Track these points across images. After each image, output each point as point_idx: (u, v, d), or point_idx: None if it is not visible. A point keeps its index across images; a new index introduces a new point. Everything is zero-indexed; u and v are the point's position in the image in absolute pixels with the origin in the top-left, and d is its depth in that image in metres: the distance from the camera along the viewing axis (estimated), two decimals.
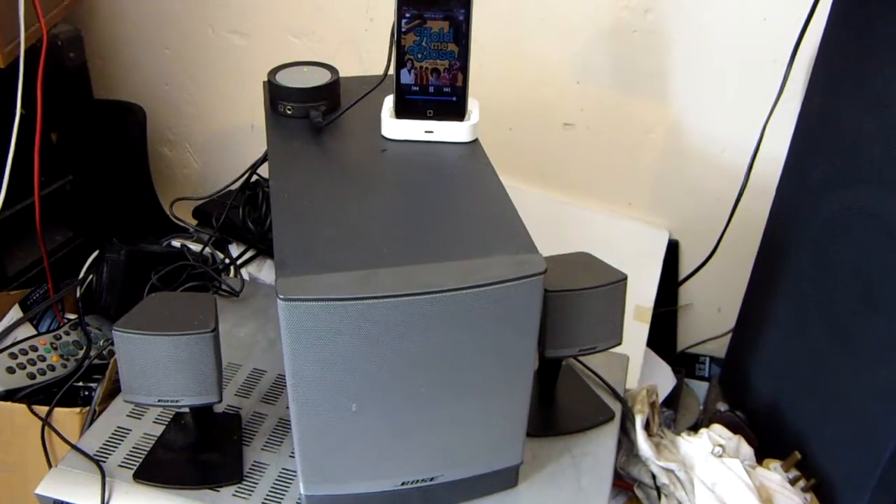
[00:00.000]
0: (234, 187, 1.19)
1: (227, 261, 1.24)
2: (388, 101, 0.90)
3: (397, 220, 0.77)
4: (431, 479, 0.80)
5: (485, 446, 0.80)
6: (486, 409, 0.77)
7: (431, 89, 0.88)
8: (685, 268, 1.41)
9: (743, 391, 1.23)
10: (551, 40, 1.26)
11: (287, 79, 0.95)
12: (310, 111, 0.92)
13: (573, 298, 0.85)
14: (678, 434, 1.03)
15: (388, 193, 0.81)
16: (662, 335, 1.44)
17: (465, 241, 0.73)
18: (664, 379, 1.35)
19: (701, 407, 1.41)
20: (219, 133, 1.53)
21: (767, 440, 1.13)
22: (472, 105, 0.90)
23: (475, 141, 0.90)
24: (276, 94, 0.94)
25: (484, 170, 0.85)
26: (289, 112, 0.94)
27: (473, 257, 0.70)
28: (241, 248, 1.28)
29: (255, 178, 1.17)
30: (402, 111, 0.89)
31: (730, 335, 1.38)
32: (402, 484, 0.79)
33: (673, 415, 1.33)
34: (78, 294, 1.19)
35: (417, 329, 0.68)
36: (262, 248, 1.27)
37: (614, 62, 1.25)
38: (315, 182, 0.82)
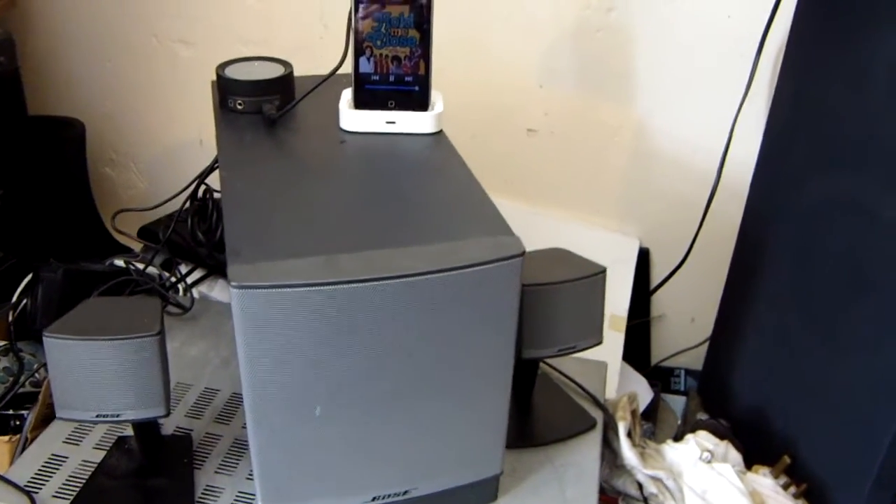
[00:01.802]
0: (183, 201, 1.11)
1: (176, 278, 1.15)
2: (347, 94, 0.85)
3: (360, 206, 0.71)
4: (405, 493, 0.73)
5: (462, 454, 0.73)
6: (462, 411, 0.70)
7: (392, 78, 0.83)
8: (657, 277, 1.37)
9: (724, 400, 1.19)
10: (512, 42, 1.24)
11: (237, 73, 0.89)
12: (262, 105, 0.86)
13: (550, 293, 0.80)
14: (650, 440, 0.98)
15: (349, 182, 0.75)
16: (636, 348, 1.39)
17: (435, 224, 0.68)
18: (641, 392, 1.30)
19: (679, 421, 1.36)
20: (165, 150, 1.46)
21: (753, 447, 1.08)
22: (436, 96, 0.86)
23: (440, 132, 0.85)
24: (225, 89, 0.88)
25: (451, 159, 0.80)
26: (240, 107, 0.88)
27: (445, 241, 0.64)
28: (191, 269, 1.21)
29: (203, 188, 1.10)
30: (361, 102, 0.83)
31: (705, 346, 1.34)
32: (374, 499, 0.72)
33: (652, 427, 1.28)
34: (10, 318, 1.10)
35: (386, 319, 0.62)
36: (214, 265, 1.19)
37: (578, 64, 1.23)
38: (269, 173, 0.75)
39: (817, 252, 0.96)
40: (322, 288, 0.59)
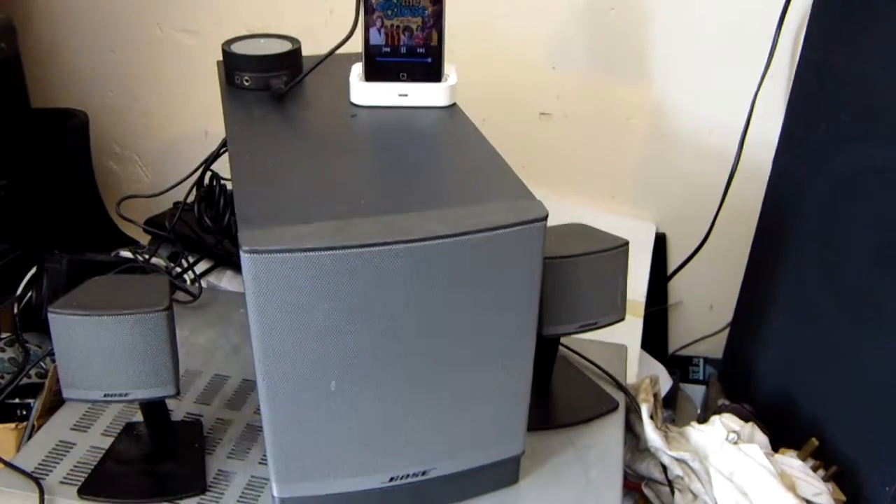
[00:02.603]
0: (188, 189, 1.09)
1: (184, 266, 1.13)
2: (357, 67, 0.83)
3: (374, 175, 0.68)
4: (424, 474, 0.70)
5: (482, 433, 0.71)
6: (483, 387, 0.67)
7: (404, 50, 0.81)
8: (674, 263, 1.34)
9: (747, 384, 1.16)
10: (523, 22, 1.21)
11: (244, 48, 0.87)
12: (270, 81, 0.84)
13: (571, 266, 0.77)
14: (672, 425, 0.94)
15: (361, 152, 0.73)
16: (653, 336, 1.36)
17: (454, 190, 0.65)
18: (660, 381, 1.27)
19: (699, 410, 1.33)
20: (170, 142, 1.44)
21: (779, 431, 1.04)
22: (449, 68, 0.83)
23: (454, 105, 0.82)
24: (232, 65, 0.86)
25: (467, 130, 0.77)
26: (247, 83, 0.85)
27: (464, 205, 0.62)
28: (199, 258, 1.19)
29: (209, 175, 1.07)
30: (372, 74, 0.81)
31: (724, 334, 1.31)
32: (391, 480, 0.69)
33: (672, 415, 1.25)
34: (16, 311, 1.08)
35: (403, 286, 0.59)
36: (222, 254, 1.17)
37: (591, 43, 1.20)
38: (279, 145, 0.73)
39: (846, 228, 0.93)
40: (336, 252, 0.56)
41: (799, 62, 1.02)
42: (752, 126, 1.15)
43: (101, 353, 0.65)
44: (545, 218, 0.61)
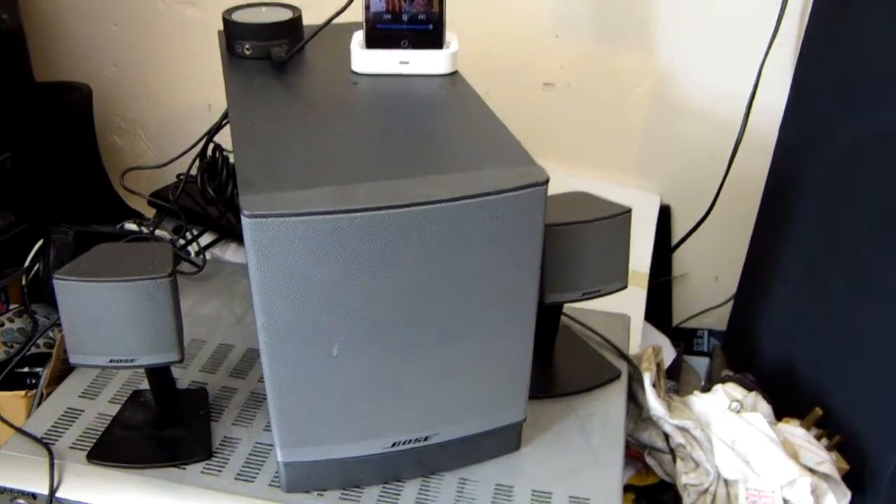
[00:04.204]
0: (192, 160, 1.09)
1: (188, 238, 1.14)
2: (358, 35, 0.83)
3: (375, 140, 0.68)
4: (426, 439, 0.71)
5: (484, 398, 0.71)
6: (484, 352, 0.68)
7: (405, 17, 0.80)
8: (678, 234, 1.34)
9: (751, 355, 1.16)
10: None
11: (244, 17, 0.87)
12: (271, 49, 0.84)
13: (574, 233, 0.77)
14: (675, 395, 0.95)
15: (362, 119, 0.73)
16: (657, 308, 1.36)
17: (454, 156, 0.65)
18: (664, 352, 1.27)
19: (703, 382, 1.33)
20: (173, 116, 1.43)
21: (782, 401, 1.04)
22: (451, 36, 0.83)
23: (456, 73, 0.82)
24: (233, 34, 0.85)
25: (468, 97, 0.77)
26: (247, 52, 0.85)
27: (465, 170, 0.62)
28: (203, 230, 1.19)
29: (211, 146, 1.07)
30: (373, 42, 0.80)
31: (729, 306, 1.31)
32: (393, 445, 0.70)
33: (675, 386, 1.25)
34: (24, 282, 1.09)
35: (404, 251, 0.59)
36: (226, 226, 1.17)
37: (595, 10, 1.18)
38: (281, 112, 0.73)
39: (851, 198, 0.92)
40: (337, 216, 0.57)
41: (807, 29, 1.01)
42: (758, 95, 1.14)
43: (105, 319, 0.66)
44: (546, 182, 0.61)
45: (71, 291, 0.65)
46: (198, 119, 1.42)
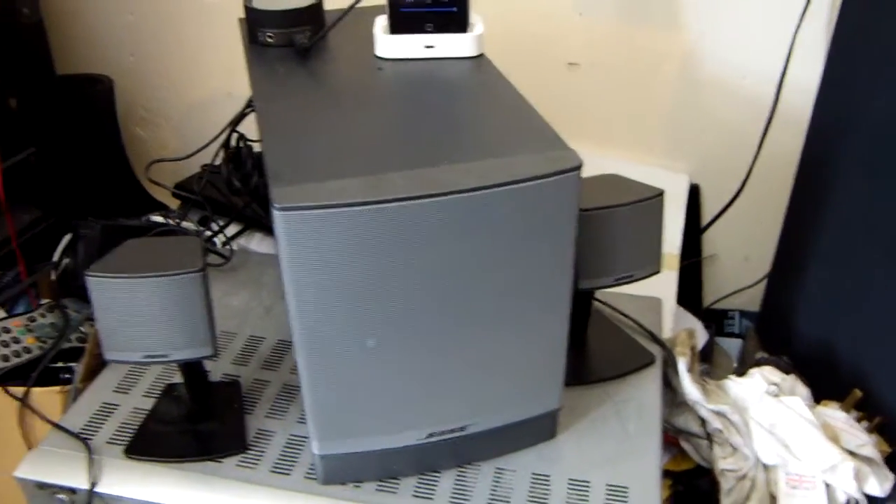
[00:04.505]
0: (216, 151, 1.08)
1: (215, 229, 1.14)
2: (382, 20, 0.81)
3: (404, 128, 0.67)
4: (462, 430, 0.70)
5: (520, 387, 0.70)
6: (520, 341, 0.67)
7: (429, 0, 0.79)
8: (708, 214, 1.32)
9: (786, 337, 1.14)
10: None
11: (266, 4, 0.85)
12: (293, 36, 0.83)
13: (606, 218, 0.75)
14: (709, 378, 0.93)
15: (390, 105, 0.72)
16: (687, 290, 1.34)
17: (486, 142, 0.64)
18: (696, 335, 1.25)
19: (735, 364, 1.31)
20: (194, 105, 1.43)
21: (819, 384, 1.02)
22: (475, 18, 0.81)
23: (482, 56, 0.80)
24: (254, 21, 0.84)
25: (496, 80, 0.75)
26: (270, 40, 0.84)
27: (498, 157, 0.60)
28: (228, 222, 1.19)
29: (235, 136, 1.07)
30: (397, 26, 0.79)
31: (760, 286, 1.29)
32: (430, 436, 0.69)
33: (708, 368, 1.24)
34: (53, 277, 1.09)
35: (437, 240, 0.58)
36: (251, 217, 1.17)
37: None
38: (306, 101, 0.72)
39: (892, 171, 0.89)
40: (370, 207, 0.56)
41: (842, 4, 0.97)
42: (789, 70, 1.11)
43: (139, 315, 0.66)
44: (580, 167, 0.60)
45: (103, 288, 0.65)
46: (218, 107, 1.41)
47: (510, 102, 0.70)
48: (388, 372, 0.64)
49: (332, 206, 0.55)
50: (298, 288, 0.58)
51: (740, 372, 1.21)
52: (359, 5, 0.83)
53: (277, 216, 0.55)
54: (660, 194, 0.78)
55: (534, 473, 0.74)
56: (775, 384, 0.89)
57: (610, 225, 0.76)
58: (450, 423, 0.69)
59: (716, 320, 1.38)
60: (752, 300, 1.34)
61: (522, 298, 0.64)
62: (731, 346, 1.36)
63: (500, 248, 0.61)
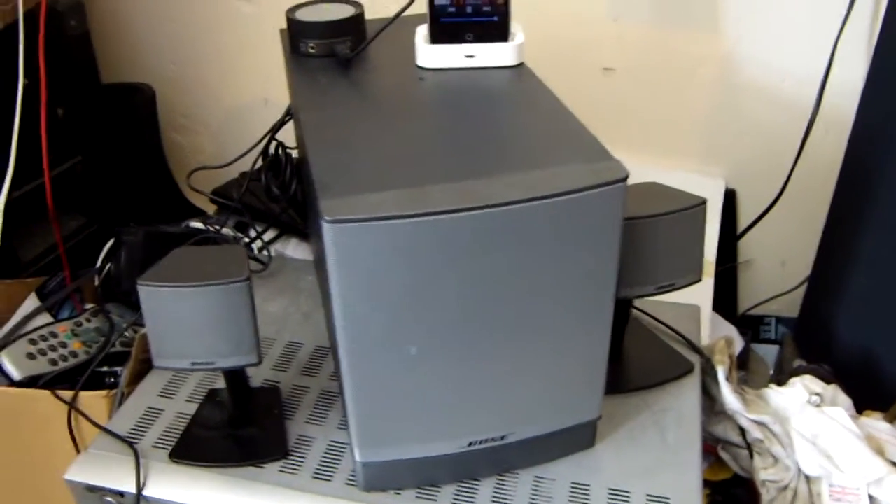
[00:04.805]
0: (255, 158, 1.10)
1: (253, 235, 1.15)
2: (422, 30, 0.82)
3: (447, 138, 0.68)
4: (502, 438, 0.70)
5: (560, 397, 0.70)
6: (561, 351, 0.67)
7: (469, 9, 0.79)
8: (744, 219, 1.30)
9: (826, 344, 1.12)
10: None
11: (307, 15, 0.87)
12: (335, 47, 0.84)
13: (649, 227, 0.75)
14: (748, 387, 0.92)
15: (433, 116, 0.72)
16: (722, 296, 1.32)
17: (529, 152, 0.64)
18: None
19: (771, 372, 1.30)
20: (231, 112, 1.45)
21: (861, 393, 1.01)
22: (516, 26, 0.81)
23: (522, 65, 0.81)
24: (297, 32, 0.86)
25: (537, 89, 0.76)
26: (312, 50, 0.85)
27: (541, 168, 0.61)
28: (265, 228, 1.21)
29: (274, 144, 1.08)
30: (438, 36, 0.80)
31: (797, 292, 1.27)
32: (470, 445, 0.70)
33: (744, 376, 1.23)
34: (97, 282, 1.11)
35: (481, 252, 0.59)
36: (288, 223, 1.18)
37: None
38: (349, 111, 0.73)
39: None
40: (415, 220, 0.56)
41: (888, 4, 0.96)
42: (832, 72, 1.09)
43: (187, 323, 0.67)
44: (625, 178, 0.60)
45: (154, 297, 0.66)
46: (255, 114, 1.43)
47: (552, 112, 0.70)
48: (429, 381, 0.64)
49: (377, 218, 0.56)
50: (345, 297, 0.59)
51: (778, 380, 1.19)
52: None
53: (326, 228, 0.55)
54: (702, 203, 0.77)
55: (573, 482, 0.74)
56: (817, 394, 0.88)
57: (652, 234, 0.76)
58: (490, 432, 0.70)
59: (752, 326, 1.36)
60: (788, 306, 1.33)
61: (564, 309, 0.65)
62: (768, 352, 1.34)
63: (542, 260, 0.61)
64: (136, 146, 1.33)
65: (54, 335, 0.97)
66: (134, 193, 1.31)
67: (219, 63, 1.41)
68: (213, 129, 1.49)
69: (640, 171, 1.27)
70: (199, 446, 0.76)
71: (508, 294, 0.62)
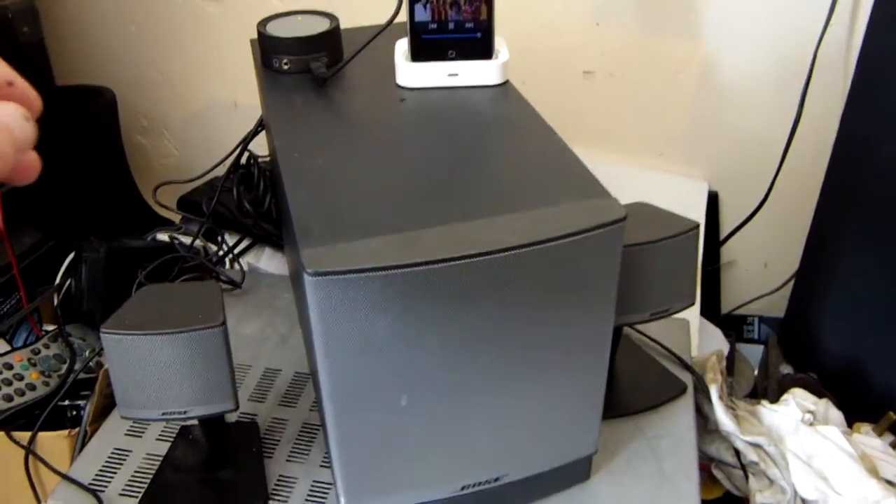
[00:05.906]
0: (221, 172, 1.04)
1: (224, 250, 1.10)
2: (402, 45, 0.77)
3: (433, 171, 0.63)
4: (496, 480, 0.67)
5: (557, 436, 0.67)
6: (557, 391, 0.64)
7: (451, 26, 0.75)
8: (726, 221, 1.28)
9: (812, 350, 1.11)
10: None
11: (280, 29, 0.81)
12: (310, 63, 0.78)
13: (642, 254, 0.72)
14: (739, 401, 0.90)
15: (417, 144, 0.68)
16: (705, 297, 1.31)
17: (521, 189, 0.60)
18: (716, 345, 1.23)
19: (755, 372, 1.29)
20: (198, 115, 1.38)
21: (849, 402, 1.00)
22: (500, 43, 0.77)
23: (506, 83, 0.77)
24: (268, 48, 0.80)
25: (524, 112, 0.72)
26: (285, 67, 0.80)
27: (534, 208, 0.57)
28: (236, 238, 1.15)
29: (246, 155, 1.03)
30: (419, 54, 0.75)
31: (779, 292, 1.26)
32: (462, 489, 0.66)
33: (731, 381, 1.21)
34: (55, 302, 1.05)
35: (475, 299, 0.55)
36: (260, 234, 1.13)
37: None
38: (328, 139, 0.68)
39: None
40: (405, 270, 0.52)
41: (873, 7, 0.93)
42: (814, 76, 1.07)
43: (156, 372, 0.62)
44: (624, 219, 0.56)
45: (119, 345, 0.61)
46: (223, 117, 1.37)
47: (540, 137, 0.67)
48: (421, 429, 0.61)
49: (364, 270, 0.51)
50: (330, 350, 0.55)
51: (764, 385, 1.18)
52: (375, 23, 0.78)
53: (309, 282, 0.51)
54: (695, 227, 0.74)
55: None
56: (810, 412, 0.86)
57: (646, 261, 0.72)
58: (484, 475, 0.66)
59: (735, 326, 1.35)
60: (771, 306, 1.32)
61: (560, 352, 0.61)
62: (751, 352, 1.33)
63: (539, 303, 0.57)
64: (95, 153, 1.26)
65: (9, 366, 0.90)
66: (94, 204, 1.24)
67: (183, 65, 1.34)
68: (179, 132, 1.42)
69: (623, 173, 1.25)
70: (171, 493, 0.72)
71: (503, 338, 0.58)
